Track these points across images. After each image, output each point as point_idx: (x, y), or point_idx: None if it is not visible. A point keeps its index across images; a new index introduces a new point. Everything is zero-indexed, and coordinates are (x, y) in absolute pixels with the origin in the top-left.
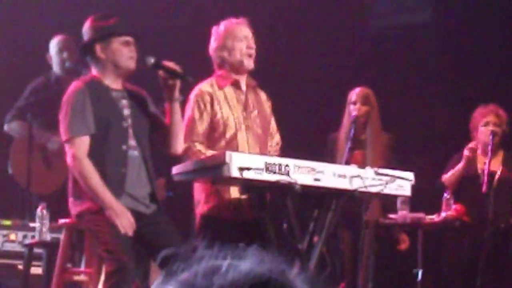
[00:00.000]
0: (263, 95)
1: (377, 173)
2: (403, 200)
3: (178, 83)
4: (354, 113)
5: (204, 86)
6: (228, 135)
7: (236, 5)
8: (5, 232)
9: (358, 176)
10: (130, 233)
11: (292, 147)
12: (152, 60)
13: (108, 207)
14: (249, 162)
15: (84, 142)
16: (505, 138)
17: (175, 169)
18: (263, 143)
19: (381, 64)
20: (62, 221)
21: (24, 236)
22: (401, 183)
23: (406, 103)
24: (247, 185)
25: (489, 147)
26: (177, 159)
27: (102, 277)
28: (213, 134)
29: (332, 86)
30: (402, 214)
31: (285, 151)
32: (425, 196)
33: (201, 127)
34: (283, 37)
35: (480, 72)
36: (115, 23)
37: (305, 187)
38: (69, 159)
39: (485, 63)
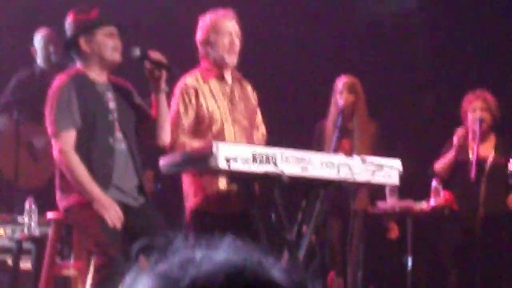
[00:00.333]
0: (248, 87)
1: (365, 162)
2: (391, 188)
3: (164, 74)
4: (341, 102)
5: (189, 79)
6: (214, 128)
7: None
8: None
9: (346, 165)
10: (118, 226)
11: (279, 137)
12: (138, 51)
13: (96, 200)
14: (236, 153)
15: (70, 136)
16: (496, 123)
17: (162, 161)
18: (249, 135)
19: (368, 52)
20: (50, 215)
21: (13, 231)
22: (389, 171)
23: (393, 91)
24: (234, 176)
25: (477, 134)
26: (165, 151)
27: (91, 271)
28: (199, 127)
29: (319, 75)
30: (390, 203)
31: (272, 141)
32: (413, 183)
33: (187, 121)
34: (269, 26)
35: (467, 58)
36: (97, 15)
37: (292, 177)
38: (55, 153)
39: (471, 49)
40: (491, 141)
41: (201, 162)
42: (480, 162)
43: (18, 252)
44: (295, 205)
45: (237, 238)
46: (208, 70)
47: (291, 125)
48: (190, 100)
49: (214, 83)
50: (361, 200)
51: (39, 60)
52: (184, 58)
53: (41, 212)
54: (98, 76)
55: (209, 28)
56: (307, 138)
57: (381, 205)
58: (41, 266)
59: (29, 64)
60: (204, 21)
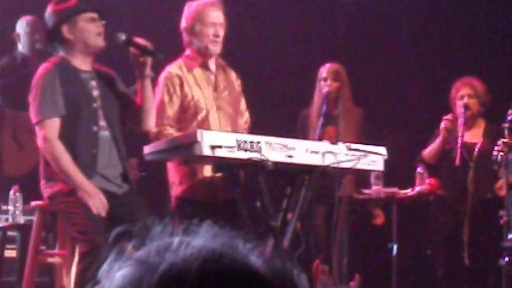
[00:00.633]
0: (232, 74)
1: (350, 149)
2: (376, 175)
3: (149, 60)
4: (325, 89)
5: (173, 68)
6: (199, 116)
7: None
8: None
9: (331, 152)
10: (103, 213)
11: (264, 124)
12: (123, 37)
13: (80, 188)
14: (221, 140)
15: (54, 124)
16: (485, 109)
17: (147, 149)
18: (234, 123)
19: (352, 39)
20: (34, 203)
21: None
22: (373, 158)
23: (377, 77)
24: (219, 164)
25: (462, 120)
26: (150, 139)
27: (76, 259)
28: (185, 116)
29: (303, 62)
30: (376, 189)
31: (256, 129)
32: (399, 171)
33: (171, 110)
34: (252, 14)
35: (452, 45)
36: (76, 2)
37: (277, 164)
38: (40, 141)
39: (456, 36)
40: (480, 127)
41: (186, 150)
42: (469, 148)
43: (2, 240)
44: (280, 192)
45: (223, 225)
46: (192, 59)
47: (276, 112)
48: (174, 89)
49: (198, 72)
50: (346, 187)
51: (21, 46)
52: (167, 45)
53: (26, 200)
54: (82, 64)
55: (195, 17)
56: (292, 125)
57: (366, 191)
58: (26, 254)
59: (9, 50)
60: (190, 9)
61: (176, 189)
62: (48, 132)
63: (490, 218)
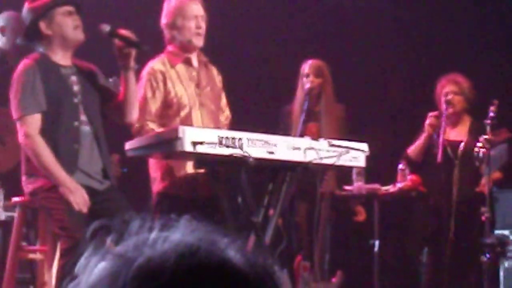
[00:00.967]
0: (214, 70)
1: (331, 145)
2: (358, 171)
3: (133, 51)
4: (308, 85)
5: (156, 64)
6: (182, 113)
7: None
8: None
9: (312, 148)
10: (84, 210)
11: (245, 121)
12: (107, 28)
13: (62, 184)
14: (202, 136)
15: (35, 120)
16: (471, 106)
17: (128, 145)
18: (216, 119)
19: (335, 36)
20: (15, 199)
21: None
22: (355, 155)
23: (360, 74)
24: (201, 160)
25: (443, 117)
26: (131, 135)
27: (57, 255)
28: (167, 112)
29: (285, 58)
30: (357, 186)
31: (238, 125)
32: (381, 167)
33: (154, 106)
34: (235, 10)
35: (436, 42)
36: None
37: (259, 160)
38: (21, 137)
39: (440, 32)
40: (465, 125)
41: (168, 146)
42: (454, 146)
43: None
44: (262, 188)
45: (204, 221)
46: (175, 55)
47: (258, 108)
48: (157, 85)
49: (181, 68)
50: (328, 183)
51: (1, 42)
52: (152, 37)
53: (7, 196)
54: (62, 59)
55: (175, 12)
56: (273, 122)
57: (348, 188)
58: (7, 250)
59: None
60: (169, 5)
61: (157, 185)
62: (29, 128)
63: (473, 216)
